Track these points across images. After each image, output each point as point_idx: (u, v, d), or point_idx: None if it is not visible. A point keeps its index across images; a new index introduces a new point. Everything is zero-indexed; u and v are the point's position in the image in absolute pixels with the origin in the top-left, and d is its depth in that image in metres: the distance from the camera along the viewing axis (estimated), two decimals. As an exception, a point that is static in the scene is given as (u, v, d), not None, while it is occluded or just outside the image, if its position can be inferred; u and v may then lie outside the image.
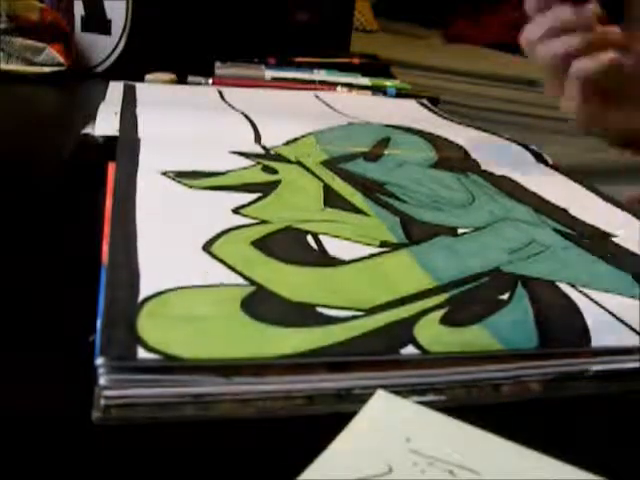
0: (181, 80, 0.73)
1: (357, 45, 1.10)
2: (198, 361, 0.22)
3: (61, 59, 0.71)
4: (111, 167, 0.37)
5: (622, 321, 0.28)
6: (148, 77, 0.72)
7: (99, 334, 0.22)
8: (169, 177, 0.37)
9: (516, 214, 0.39)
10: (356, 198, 0.38)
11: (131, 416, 0.21)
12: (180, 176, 0.37)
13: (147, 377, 0.21)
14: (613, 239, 0.38)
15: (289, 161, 0.43)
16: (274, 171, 0.41)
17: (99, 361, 0.21)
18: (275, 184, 0.38)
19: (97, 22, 0.75)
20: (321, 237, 0.32)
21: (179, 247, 0.29)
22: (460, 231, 0.35)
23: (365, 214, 0.36)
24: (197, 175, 0.37)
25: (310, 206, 0.36)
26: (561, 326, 0.27)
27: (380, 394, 0.22)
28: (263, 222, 0.33)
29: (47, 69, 0.71)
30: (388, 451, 0.19)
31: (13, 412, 0.21)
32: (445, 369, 0.24)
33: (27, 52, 0.70)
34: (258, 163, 0.42)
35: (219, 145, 0.46)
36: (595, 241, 0.37)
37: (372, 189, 0.39)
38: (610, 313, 0.28)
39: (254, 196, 0.35)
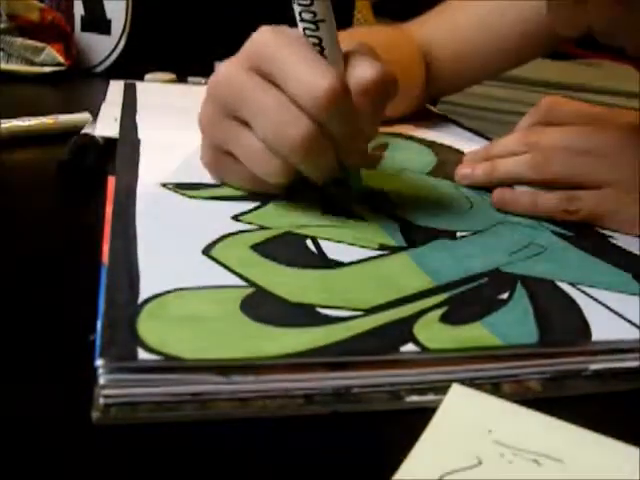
0: (181, 80, 0.73)
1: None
2: (198, 361, 0.22)
3: (61, 59, 0.71)
4: (110, 181, 0.37)
5: (622, 316, 0.28)
6: (147, 77, 0.72)
7: (99, 335, 0.22)
8: (168, 189, 0.37)
9: (514, 217, 0.39)
10: (354, 204, 0.38)
11: (131, 416, 0.21)
12: (180, 187, 0.37)
13: (147, 377, 0.21)
14: (611, 239, 0.38)
15: None
16: None
17: (99, 362, 0.21)
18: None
19: (97, 22, 0.75)
20: (320, 241, 0.32)
21: (179, 250, 0.29)
22: (459, 234, 0.35)
23: (364, 219, 0.36)
24: (196, 187, 0.37)
25: (309, 213, 0.36)
26: (561, 321, 0.27)
27: (455, 388, 0.23)
28: (262, 228, 0.33)
29: (47, 69, 0.71)
30: (474, 444, 0.20)
31: (13, 412, 0.21)
32: (445, 368, 0.24)
33: (27, 52, 0.71)
34: None
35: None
36: (594, 241, 0.37)
37: (370, 196, 0.39)
38: (610, 309, 0.28)
39: (253, 204, 0.36)
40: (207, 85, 0.36)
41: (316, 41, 0.34)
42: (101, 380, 0.21)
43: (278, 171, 0.34)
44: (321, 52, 0.34)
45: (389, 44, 0.56)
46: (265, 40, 0.33)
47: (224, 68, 0.34)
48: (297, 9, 0.33)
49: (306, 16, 0.33)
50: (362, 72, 0.34)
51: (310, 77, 0.32)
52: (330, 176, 0.36)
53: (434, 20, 0.65)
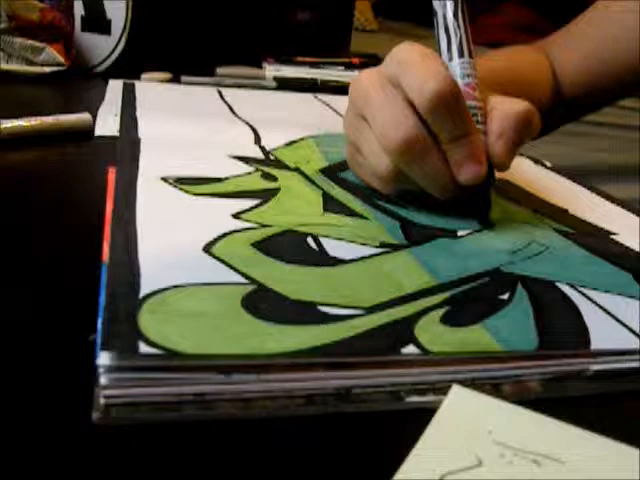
0: (177, 79, 0.74)
1: (357, 45, 1.10)
2: (199, 357, 0.22)
3: (61, 59, 0.71)
4: (111, 173, 0.37)
5: (622, 323, 0.28)
6: (144, 76, 0.72)
7: (100, 330, 0.22)
8: (169, 183, 0.37)
9: (516, 216, 0.39)
10: (355, 204, 0.38)
11: (131, 416, 0.21)
12: (180, 182, 0.37)
13: (147, 376, 0.21)
14: (613, 238, 0.38)
15: (288, 168, 0.43)
16: (273, 178, 0.41)
17: (100, 358, 0.21)
18: (274, 191, 0.38)
19: (97, 22, 0.75)
20: (321, 239, 0.32)
21: (179, 248, 0.29)
22: (460, 233, 0.35)
23: (365, 218, 0.36)
24: (197, 181, 0.37)
25: (310, 211, 0.36)
26: (561, 328, 0.27)
27: (455, 389, 0.23)
28: (263, 226, 0.33)
29: (47, 69, 0.71)
30: (474, 444, 0.20)
31: (13, 412, 0.21)
32: (445, 368, 0.24)
33: (27, 52, 0.70)
34: (257, 170, 0.42)
35: (219, 147, 0.46)
36: (595, 240, 0.37)
37: (371, 196, 0.39)
38: (610, 314, 0.28)
39: (254, 202, 0.36)
40: (349, 92, 0.39)
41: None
42: (102, 380, 0.21)
43: (388, 170, 0.36)
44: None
45: (534, 67, 0.62)
46: (401, 52, 0.36)
47: (362, 75, 0.38)
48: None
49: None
50: (515, 105, 0.36)
51: (423, 78, 0.34)
52: (446, 190, 0.36)
53: (565, 40, 0.66)
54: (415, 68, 0.34)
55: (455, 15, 0.38)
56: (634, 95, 0.77)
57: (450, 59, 0.38)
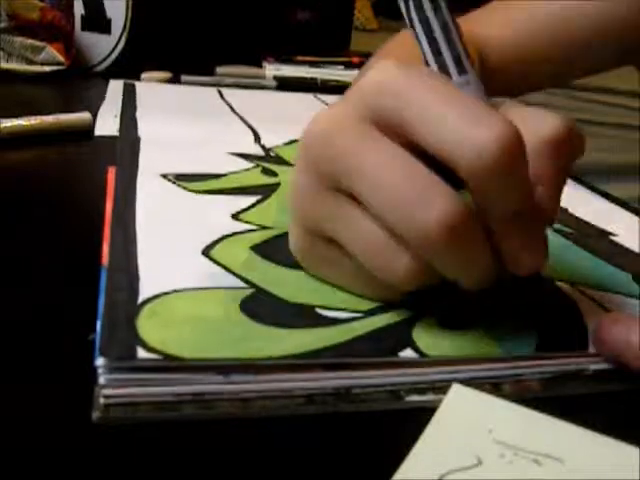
0: (177, 79, 0.74)
1: (357, 44, 1.10)
2: (198, 361, 0.22)
3: (61, 58, 0.71)
4: (111, 171, 0.37)
5: None
6: (144, 76, 0.72)
7: (99, 335, 0.22)
8: (169, 180, 0.37)
9: None
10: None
11: (131, 416, 0.21)
12: (180, 179, 0.37)
13: (147, 376, 0.21)
14: (613, 238, 0.38)
15: (288, 164, 0.43)
16: (273, 174, 0.41)
17: (99, 361, 0.21)
18: (274, 187, 0.38)
19: (97, 22, 0.75)
20: None
21: (179, 251, 0.29)
22: None
23: None
24: (196, 178, 0.37)
25: None
26: (560, 329, 0.27)
27: (455, 388, 0.22)
28: (263, 228, 0.33)
29: (47, 68, 0.71)
30: (474, 443, 0.20)
31: (13, 412, 0.21)
32: (445, 368, 0.24)
33: (27, 51, 0.70)
34: (257, 165, 0.42)
35: (218, 146, 0.46)
36: (595, 240, 0.37)
37: None
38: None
39: (253, 199, 0.36)
40: (301, 141, 0.25)
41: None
42: (101, 380, 0.21)
43: (407, 270, 0.24)
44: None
45: None
46: (395, 82, 0.24)
47: (329, 118, 0.24)
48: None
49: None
50: (541, 124, 0.24)
51: (465, 129, 0.22)
52: (486, 281, 0.25)
53: (489, 17, 0.55)
54: (441, 118, 0.22)
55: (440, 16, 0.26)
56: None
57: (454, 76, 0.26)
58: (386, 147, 0.23)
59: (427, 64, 0.26)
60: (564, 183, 0.25)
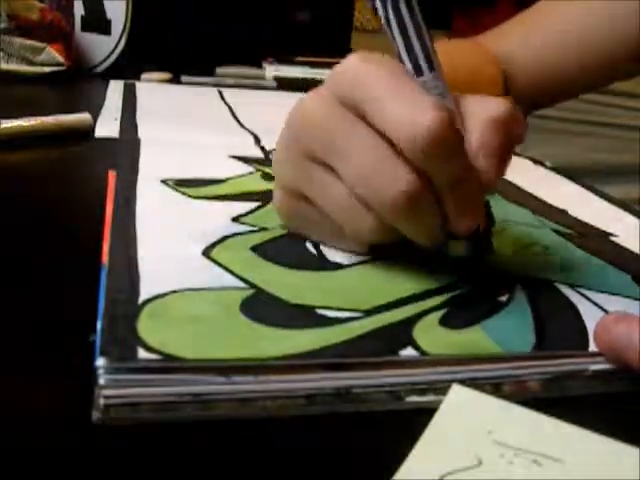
0: (177, 79, 0.74)
1: (357, 44, 1.10)
2: (198, 361, 0.22)
3: (61, 59, 0.71)
4: (111, 176, 0.37)
5: None
6: (144, 76, 0.72)
7: (99, 335, 0.22)
8: (169, 186, 0.37)
9: (515, 217, 0.39)
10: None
11: (131, 416, 0.21)
12: (180, 185, 0.37)
13: (147, 377, 0.21)
14: (613, 239, 0.38)
15: None
16: (274, 179, 0.41)
17: (99, 362, 0.21)
18: None
19: (97, 22, 0.75)
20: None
21: (179, 252, 0.29)
22: None
23: None
24: (196, 183, 0.37)
25: None
26: (560, 329, 0.27)
27: (455, 389, 0.22)
28: (262, 229, 0.33)
29: (47, 69, 0.71)
30: (474, 444, 0.20)
31: (12, 412, 0.21)
32: (445, 368, 0.24)
33: (27, 52, 0.71)
34: (257, 170, 0.42)
35: (218, 148, 0.46)
36: (595, 241, 0.37)
37: None
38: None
39: (253, 205, 0.36)
40: (286, 120, 0.31)
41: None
42: (101, 380, 0.21)
43: (371, 229, 0.29)
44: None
45: (472, 68, 0.52)
46: (355, 70, 0.28)
47: (307, 101, 0.30)
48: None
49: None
50: (488, 105, 0.29)
51: (409, 112, 0.26)
52: (438, 240, 0.29)
53: (515, 31, 0.59)
54: (392, 102, 0.27)
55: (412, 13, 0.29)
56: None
57: (419, 74, 0.29)
58: (354, 126, 0.28)
59: (401, 60, 0.29)
60: (507, 158, 0.29)
